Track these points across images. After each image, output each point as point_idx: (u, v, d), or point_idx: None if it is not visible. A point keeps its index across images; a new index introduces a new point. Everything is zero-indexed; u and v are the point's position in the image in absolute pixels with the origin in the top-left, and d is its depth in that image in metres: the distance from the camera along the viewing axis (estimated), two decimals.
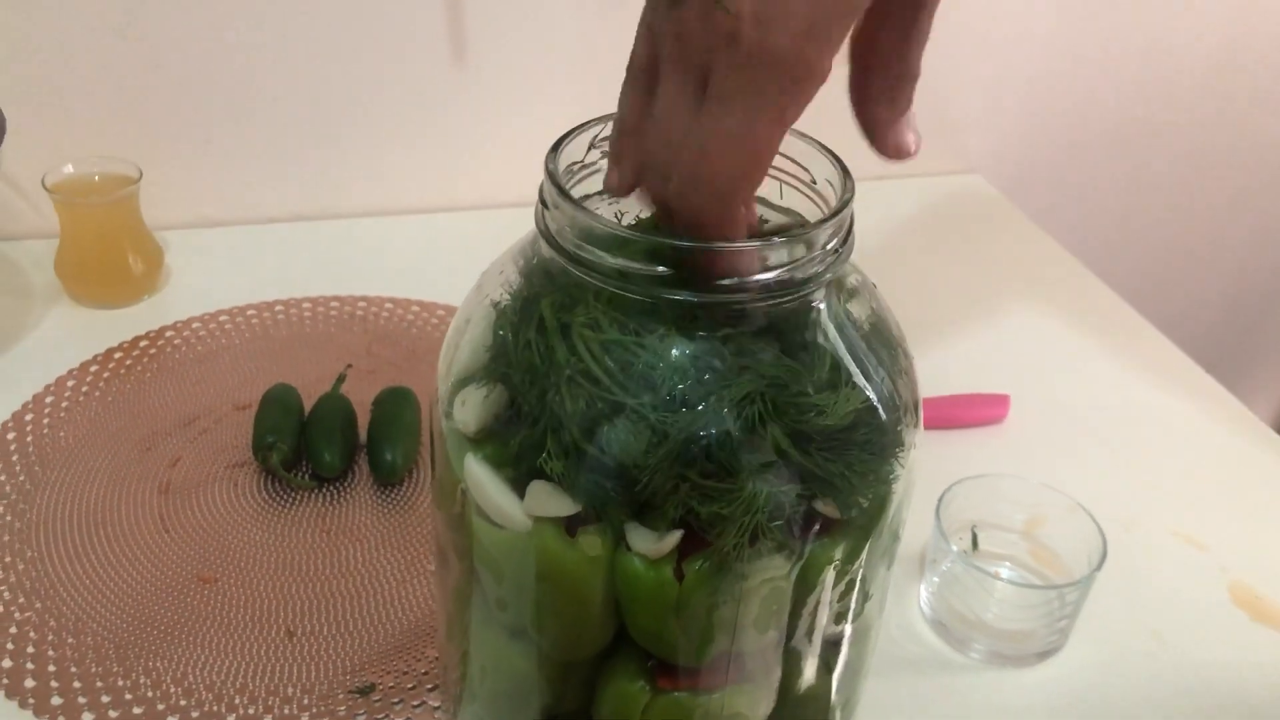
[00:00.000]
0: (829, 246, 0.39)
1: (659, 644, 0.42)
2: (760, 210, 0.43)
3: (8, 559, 0.66)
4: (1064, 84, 1.15)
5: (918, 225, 1.06)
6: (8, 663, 0.60)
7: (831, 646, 0.46)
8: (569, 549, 0.40)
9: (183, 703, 0.58)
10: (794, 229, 0.42)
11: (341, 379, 0.79)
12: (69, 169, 0.86)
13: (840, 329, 0.41)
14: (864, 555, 0.43)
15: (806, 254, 0.38)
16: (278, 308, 0.90)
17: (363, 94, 0.98)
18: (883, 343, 0.43)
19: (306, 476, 0.73)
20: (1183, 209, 1.27)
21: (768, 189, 0.43)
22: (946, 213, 1.10)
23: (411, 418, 0.75)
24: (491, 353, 0.42)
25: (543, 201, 0.40)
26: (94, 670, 0.60)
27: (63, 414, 0.77)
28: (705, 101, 0.36)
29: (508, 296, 0.42)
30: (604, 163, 0.41)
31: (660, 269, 0.37)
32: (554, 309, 0.39)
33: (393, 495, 0.72)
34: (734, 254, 0.37)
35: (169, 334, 0.86)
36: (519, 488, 0.40)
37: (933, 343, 0.89)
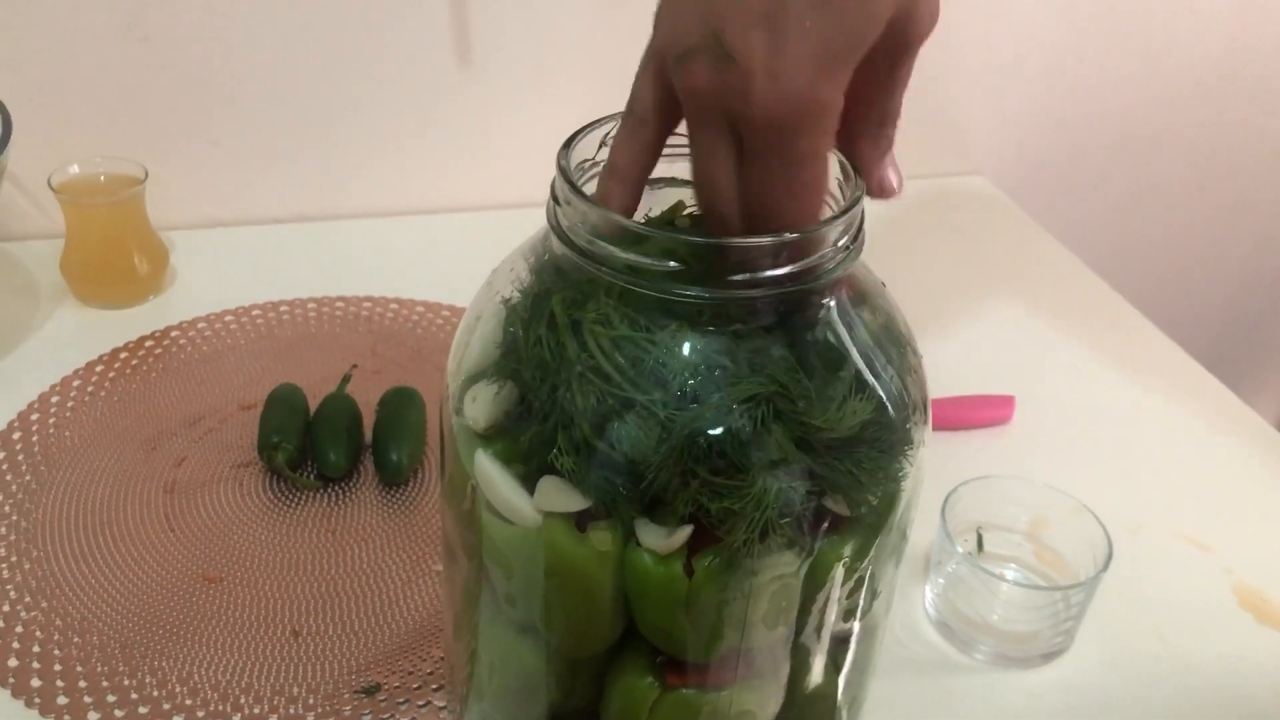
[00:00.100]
0: (840, 244, 0.39)
1: (668, 640, 0.42)
2: None
3: (14, 559, 0.66)
4: (1068, 86, 1.15)
5: (921, 226, 1.06)
6: (14, 662, 0.60)
7: (839, 644, 0.46)
8: (579, 544, 0.40)
9: (188, 702, 0.58)
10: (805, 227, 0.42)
11: (347, 379, 0.79)
12: (74, 169, 0.86)
13: (850, 327, 0.41)
14: (873, 552, 0.43)
15: (817, 251, 0.38)
16: (283, 308, 0.90)
17: (368, 95, 0.98)
18: (892, 341, 0.43)
19: (311, 476, 0.73)
20: (1186, 210, 1.27)
21: None
22: (950, 214, 1.10)
23: (417, 418, 0.75)
24: (502, 349, 0.42)
25: (554, 198, 0.40)
26: (100, 670, 0.60)
27: (68, 414, 0.77)
28: (745, 165, 0.37)
29: (518, 293, 0.42)
30: None
31: (672, 264, 0.38)
32: (565, 305, 0.40)
33: (398, 495, 0.72)
34: (747, 249, 0.37)
35: (174, 334, 0.86)
36: (529, 483, 0.40)
37: (937, 344, 0.89)
